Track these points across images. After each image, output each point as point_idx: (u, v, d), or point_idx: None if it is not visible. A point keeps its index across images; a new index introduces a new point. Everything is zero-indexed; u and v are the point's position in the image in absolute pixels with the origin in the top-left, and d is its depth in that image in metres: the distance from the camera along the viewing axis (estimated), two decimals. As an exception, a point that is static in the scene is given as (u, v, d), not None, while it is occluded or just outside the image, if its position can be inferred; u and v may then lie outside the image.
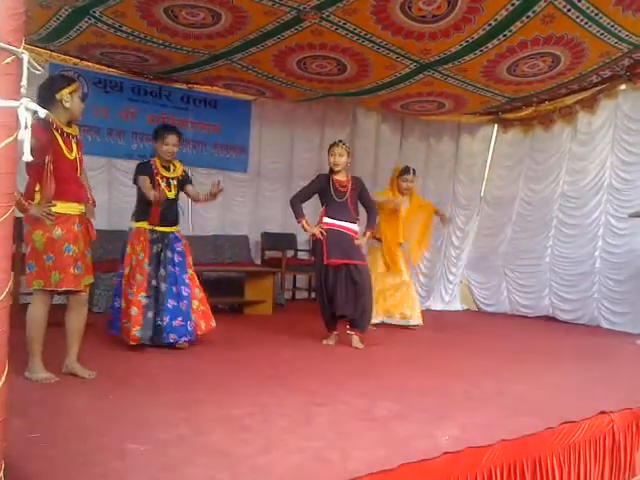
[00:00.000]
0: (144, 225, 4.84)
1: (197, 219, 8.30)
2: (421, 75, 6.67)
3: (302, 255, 8.75)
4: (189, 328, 4.74)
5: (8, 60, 1.39)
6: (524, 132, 8.28)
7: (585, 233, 7.30)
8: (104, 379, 3.59)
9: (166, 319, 4.65)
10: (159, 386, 3.52)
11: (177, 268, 4.84)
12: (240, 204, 8.64)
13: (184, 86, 8.05)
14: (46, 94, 3.57)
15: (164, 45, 6.21)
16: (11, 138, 1.38)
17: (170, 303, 4.71)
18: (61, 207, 3.54)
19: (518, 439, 2.67)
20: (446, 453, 2.40)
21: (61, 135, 3.55)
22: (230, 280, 7.14)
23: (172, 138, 4.94)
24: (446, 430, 2.73)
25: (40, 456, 2.27)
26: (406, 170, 6.50)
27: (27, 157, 1.49)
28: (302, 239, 8.81)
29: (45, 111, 1.45)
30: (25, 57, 1.40)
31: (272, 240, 8.51)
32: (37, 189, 3.53)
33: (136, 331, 4.51)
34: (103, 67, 7.45)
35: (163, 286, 4.73)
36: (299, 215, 5.32)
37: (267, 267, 7.86)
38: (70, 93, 3.60)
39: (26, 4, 1.41)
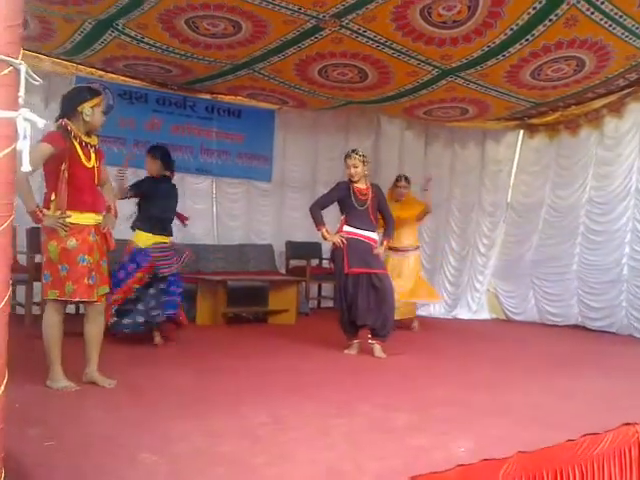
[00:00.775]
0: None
1: (222, 228, 8.34)
2: (443, 81, 6.64)
3: (327, 264, 8.71)
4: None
5: (6, 71, 1.40)
6: (550, 137, 8.15)
7: (612, 240, 7.14)
8: (123, 388, 3.61)
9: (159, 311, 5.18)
10: (177, 395, 3.52)
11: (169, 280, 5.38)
12: (264, 213, 8.67)
13: (208, 96, 8.11)
14: (69, 104, 3.63)
15: (186, 56, 6.27)
16: (9, 148, 1.39)
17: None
18: (76, 217, 3.55)
19: (537, 451, 2.60)
20: (460, 465, 2.35)
21: (79, 144, 3.57)
22: (254, 289, 7.14)
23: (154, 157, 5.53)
24: (462, 442, 2.68)
25: (53, 464, 2.28)
26: (398, 178, 6.89)
27: (26, 167, 1.50)
28: (327, 248, 8.76)
29: (43, 121, 1.46)
30: (23, 68, 1.41)
31: (297, 249, 8.50)
32: (53, 198, 3.55)
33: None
34: (128, 79, 7.55)
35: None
36: (319, 223, 5.31)
37: (292, 276, 7.86)
38: (92, 107, 3.62)
39: (23, 16, 1.41)
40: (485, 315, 8.65)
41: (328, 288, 8.78)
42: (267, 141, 8.58)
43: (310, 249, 8.51)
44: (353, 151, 5.43)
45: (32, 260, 6.15)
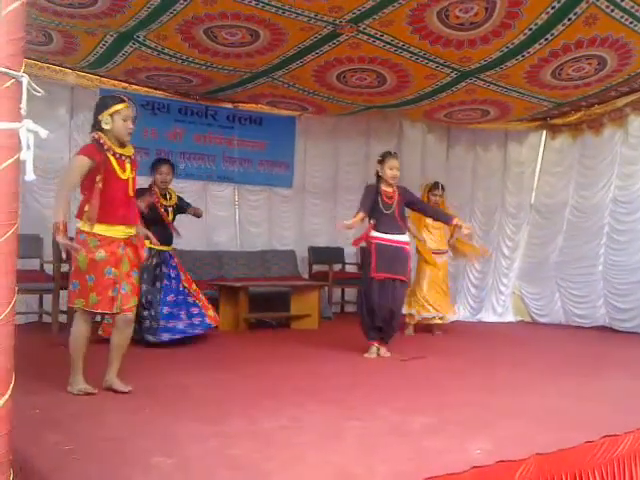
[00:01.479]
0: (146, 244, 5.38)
1: (245, 235, 8.40)
2: (463, 83, 6.61)
3: (350, 268, 8.73)
4: (180, 327, 5.53)
5: (8, 84, 1.43)
6: (573, 137, 8.08)
7: (637, 239, 7.05)
8: (140, 392, 3.64)
9: (162, 322, 5.42)
10: (193, 400, 3.55)
11: (173, 281, 5.68)
12: (286, 219, 8.71)
13: (229, 105, 8.19)
14: (93, 116, 3.66)
15: (206, 65, 6.35)
16: (12, 159, 1.43)
17: (166, 310, 5.49)
18: (105, 230, 3.55)
19: (554, 453, 2.57)
20: (475, 467, 2.33)
21: (113, 155, 3.57)
22: (276, 295, 7.18)
23: (166, 168, 5.76)
24: (479, 444, 2.66)
25: (68, 468, 2.32)
26: (435, 186, 6.93)
27: (30, 176, 1.53)
28: (349, 252, 8.80)
29: (46, 132, 1.49)
30: (25, 80, 1.45)
31: (319, 254, 8.52)
32: (86, 209, 3.57)
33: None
34: (151, 90, 7.68)
35: (157, 296, 5.51)
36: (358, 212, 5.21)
37: (315, 281, 7.87)
38: (110, 115, 3.58)
39: (24, 29, 1.45)
40: (510, 318, 8.58)
41: (351, 293, 8.77)
42: (288, 148, 8.63)
43: (332, 254, 8.53)
44: (395, 152, 5.44)
45: (58, 269, 6.26)
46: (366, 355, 5.23)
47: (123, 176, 3.60)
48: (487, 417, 3.27)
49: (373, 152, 8.90)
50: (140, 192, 5.50)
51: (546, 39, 5.47)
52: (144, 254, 3.82)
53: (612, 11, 4.97)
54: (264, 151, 8.50)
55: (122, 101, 3.66)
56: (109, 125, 3.58)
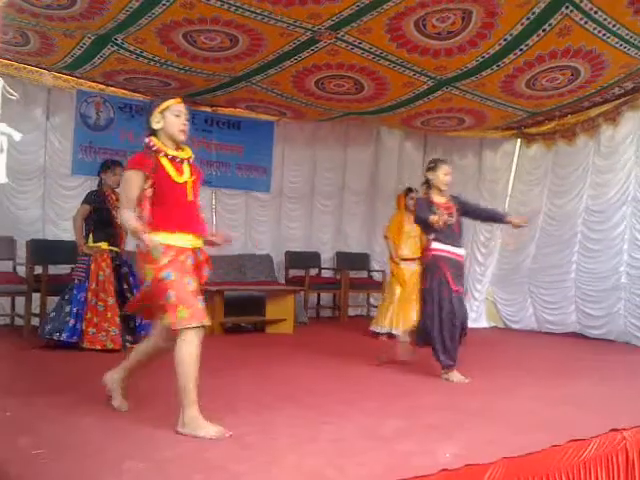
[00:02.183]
0: (104, 245, 5.60)
1: (221, 239, 8.38)
2: (439, 91, 6.69)
3: (326, 273, 8.77)
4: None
5: (-18, 87, 1.44)
6: (547, 147, 8.19)
7: (610, 247, 7.16)
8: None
9: (138, 320, 5.58)
10: (168, 404, 3.51)
11: (136, 278, 5.54)
12: (263, 223, 8.72)
13: (208, 109, 8.18)
14: (146, 121, 3.33)
15: (185, 69, 6.35)
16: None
17: None
18: (165, 237, 3.15)
19: (522, 457, 2.62)
20: (444, 470, 2.38)
21: (166, 157, 3.24)
22: (251, 299, 7.19)
23: (120, 169, 5.66)
24: (449, 447, 2.71)
25: (39, 473, 2.31)
26: (410, 190, 7.08)
27: (2, 179, 1.54)
28: (326, 257, 8.85)
29: (19, 134, 1.50)
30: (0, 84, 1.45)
31: (295, 259, 8.54)
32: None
33: (102, 337, 5.33)
34: (128, 92, 7.64)
35: (129, 296, 5.54)
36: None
37: (291, 285, 7.89)
38: (161, 112, 3.27)
39: (1, 30, 1.46)
40: (484, 323, 8.65)
41: (327, 298, 8.82)
42: (266, 152, 8.64)
43: (309, 259, 8.56)
44: (446, 159, 5.18)
45: (31, 272, 6.21)
46: (456, 380, 4.59)
47: (179, 180, 3.25)
48: (458, 421, 3.32)
49: (350, 158, 9.00)
50: (90, 195, 5.77)
51: (521, 49, 5.57)
52: (205, 274, 3.34)
53: (585, 23, 5.08)
54: (242, 155, 8.50)
55: (172, 98, 3.38)
56: (160, 123, 3.26)
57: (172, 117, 3.27)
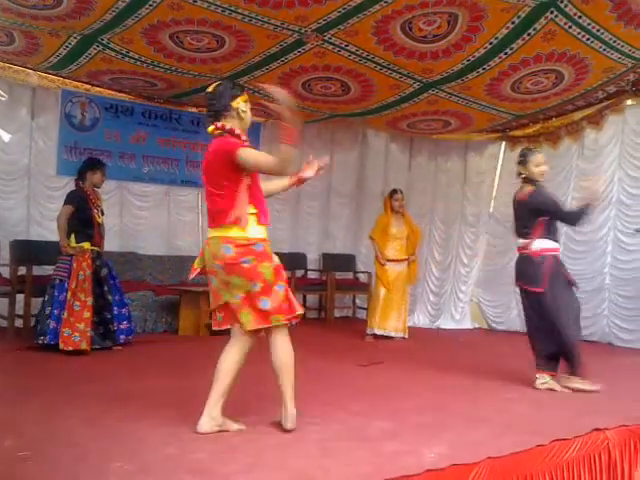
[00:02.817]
0: (86, 245, 5.59)
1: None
2: (425, 94, 6.73)
3: (312, 274, 8.78)
4: (132, 328, 5.92)
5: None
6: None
7: (594, 249, 7.24)
8: (99, 398, 3.63)
9: (116, 324, 5.63)
10: (154, 405, 3.53)
11: (115, 281, 5.84)
12: (249, 225, 8.68)
13: (194, 109, 8.16)
14: (221, 101, 3.14)
15: (171, 70, 6.34)
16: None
17: (116, 311, 5.68)
18: (263, 232, 3.09)
19: (506, 457, 2.65)
20: (429, 470, 2.40)
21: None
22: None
23: (103, 169, 5.84)
24: (434, 448, 2.73)
25: (25, 474, 2.30)
26: (394, 191, 7.18)
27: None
28: (312, 258, 8.87)
29: (8, 135, 1.50)
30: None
31: (281, 260, 8.43)
32: (239, 215, 3.03)
33: (76, 337, 5.27)
34: (114, 92, 7.62)
35: (109, 297, 5.66)
36: None
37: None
38: (245, 101, 3.20)
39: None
40: (468, 325, 8.73)
41: (313, 299, 8.82)
42: (253, 153, 8.61)
43: (295, 260, 8.56)
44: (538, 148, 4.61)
45: (15, 273, 6.16)
46: (560, 389, 4.33)
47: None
48: (443, 421, 3.34)
49: (337, 160, 8.98)
50: (72, 195, 5.71)
51: (506, 53, 5.61)
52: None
53: (570, 27, 5.13)
54: (228, 156, 8.48)
55: (245, 88, 3.27)
56: (245, 113, 3.17)
57: (249, 110, 3.19)
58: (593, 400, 4.04)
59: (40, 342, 5.32)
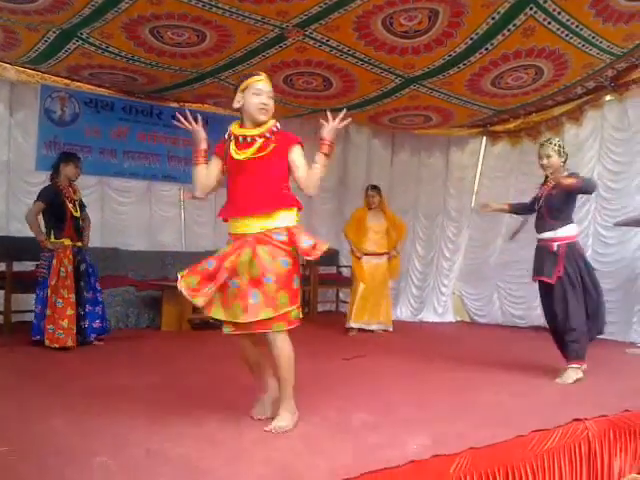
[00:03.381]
0: (67, 241, 5.52)
1: (190, 235, 8.34)
2: (407, 89, 6.76)
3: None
4: (106, 326, 5.80)
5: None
6: (512, 144, 8.34)
7: (575, 243, 7.30)
8: (83, 394, 3.62)
9: (88, 322, 5.55)
10: (137, 401, 3.52)
11: (92, 278, 5.72)
12: (232, 220, 8.67)
13: (175, 104, 8.10)
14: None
15: (151, 65, 6.30)
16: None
17: (88, 308, 5.59)
18: (231, 226, 3.12)
19: (487, 447, 2.68)
20: (412, 461, 2.42)
21: (235, 140, 3.08)
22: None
23: (78, 162, 5.75)
24: (417, 440, 2.74)
25: (8, 469, 2.29)
26: (368, 187, 7.28)
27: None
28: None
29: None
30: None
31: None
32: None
33: (60, 334, 5.22)
34: (94, 87, 7.56)
35: (85, 295, 5.59)
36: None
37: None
38: (242, 91, 3.11)
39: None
40: (450, 318, 8.79)
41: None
42: (234, 149, 8.60)
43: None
44: (547, 140, 4.88)
45: (10, 268, 6.10)
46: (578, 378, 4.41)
47: (237, 156, 3.04)
48: (426, 414, 3.36)
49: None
50: (44, 192, 5.62)
51: (486, 49, 5.65)
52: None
53: (549, 23, 5.17)
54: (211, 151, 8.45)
55: (251, 75, 3.17)
56: (239, 103, 3.10)
57: (251, 96, 3.08)
58: (571, 390, 4.09)
59: (34, 339, 5.34)
